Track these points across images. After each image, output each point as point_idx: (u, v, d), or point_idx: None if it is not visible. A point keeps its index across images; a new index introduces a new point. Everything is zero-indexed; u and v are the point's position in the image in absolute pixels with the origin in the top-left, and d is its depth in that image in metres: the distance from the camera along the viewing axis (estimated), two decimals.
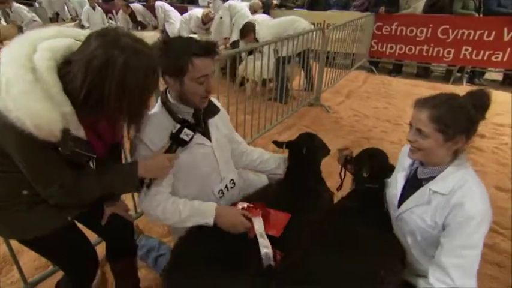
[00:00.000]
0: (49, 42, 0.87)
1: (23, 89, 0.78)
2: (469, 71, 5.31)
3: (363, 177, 1.35)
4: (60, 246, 1.12)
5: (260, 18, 4.70)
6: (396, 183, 1.26)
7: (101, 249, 1.41)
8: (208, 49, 1.14)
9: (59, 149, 0.87)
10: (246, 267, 1.07)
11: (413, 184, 1.19)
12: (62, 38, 0.91)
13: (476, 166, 2.82)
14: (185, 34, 5.93)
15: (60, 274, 1.42)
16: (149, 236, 1.85)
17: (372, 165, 1.35)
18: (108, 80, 0.81)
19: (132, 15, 6.41)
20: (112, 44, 0.82)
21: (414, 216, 1.14)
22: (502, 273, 1.74)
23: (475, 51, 4.99)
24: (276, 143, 1.63)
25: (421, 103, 1.08)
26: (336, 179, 1.60)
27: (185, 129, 1.15)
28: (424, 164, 1.16)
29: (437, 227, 1.08)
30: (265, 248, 1.12)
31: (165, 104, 1.27)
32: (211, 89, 1.21)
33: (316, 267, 1.03)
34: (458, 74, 5.37)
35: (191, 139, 1.17)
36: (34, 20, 6.05)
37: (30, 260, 1.73)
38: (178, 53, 1.13)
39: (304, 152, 1.47)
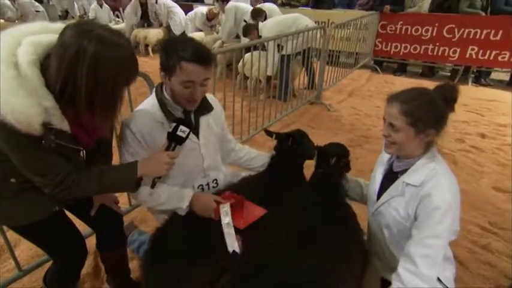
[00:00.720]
0: (33, 37, 0.88)
1: (3, 86, 0.80)
2: (474, 70, 5.24)
3: (316, 164, 1.47)
4: (49, 234, 1.15)
5: (267, 5, 4.81)
6: (375, 178, 1.28)
7: (94, 241, 1.45)
8: (199, 57, 1.13)
9: (42, 142, 0.89)
10: (215, 257, 1.11)
11: (389, 178, 1.22)
12: (47, 34, 0.93)
13: (475, 166, 2.80)
14: (190, 32, 5.98)
15: None
16: (142, 231, 1.89)
17: (318, 151, 1.47)
18: (79, 70, 0.82)
19: (145, 5, 6.50)
20: (84, 34, 0.83)
21: (390, 209, 1.17)
22: (494, 273, 1.74)
23: (481, 51, 4.92)
24: (267, 131, 1.67)
25: (393, 98, 1.10)
26: None
27: (181, 127, 1.17)
28: (399, 157, 1.19)
29: (409, 219, 1.10)
30: (229, 235, 1.16)
31: (158, 97, 1.30)
32: (198, 96, 1.22)
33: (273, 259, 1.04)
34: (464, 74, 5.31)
35: (188, 135, 1.19)
36: (37, 11, 6.11)
37: (27, 248, 1.78)
38: (171, 53, 1.16)
39: (290, 143, 1.49)
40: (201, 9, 6.11)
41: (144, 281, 1.14)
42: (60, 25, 0.97)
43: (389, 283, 1.10)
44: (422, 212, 1.05)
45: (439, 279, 1.11)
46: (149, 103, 1.31)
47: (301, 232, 1.15)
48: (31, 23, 0.94)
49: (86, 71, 0.82)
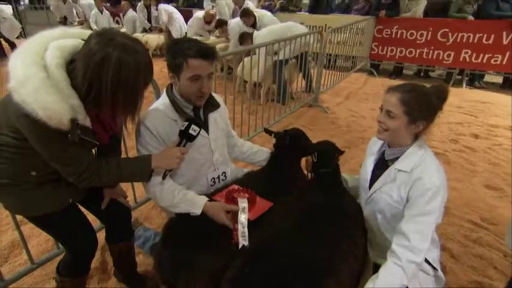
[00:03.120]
0: (58, 42, 0.98)
1: (36, 86, 0.89)
2: (468, 73, 5.36)
3: (316, 163, 1.53)
4: (63, 224, 1.24)
5: (260, 11, 4.90)
6: (366, 168, 1.38)
7: (102, 236, 1.53)
8: (203, 52, 1.25)
9: (68, 136, 0.98)
10: (225, 245, 1.20)
11: (381, 166, 1.33)
12: (69, 38, 1.03)
13: (468, 165, 2.89)
14: (193, 36, 6.08)
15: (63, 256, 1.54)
16: (147, 228, 1.97)
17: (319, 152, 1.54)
18: (104, 74, 0.91)
19: (149, 7, 6.64)
20: (108, 42, 0.92)
21: (383, 195, 1.27)
22: (483, 265, 1.82)
23: (474, 54, 5.05)
24: (266, 130, 1.78)
25: (393, 89, 1.22)
26: None
27: (192, 126, 1.28)
28: (390, 145, 1.29)
29: (402, 202, 1.21)
30: (242, 225, 1.24)
31: (170, 97, 1.40)
32: (206, 90, 1.32)
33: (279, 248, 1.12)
34: (459, 77, 5.43)
35: (198, 134, 1.30)
36: (4, 18, 6.16)
37: (37, 244, 1.86)
38: (178, 53, 1.27)
39: (288, 141, 1.60)
40: (198, 14, 6.23)
41: (157, 269, 1.22)
42: (78, 30, 1.07)
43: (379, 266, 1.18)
44: (414, 194, 1.16)
45: (426, 261, 1.20)
46: (161, 102, 1.41)
47: (308, 218, 1.25)
48: (52, 29, 1.03)
49: (110, 76, 0.92)
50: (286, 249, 1.10)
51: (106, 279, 1.68)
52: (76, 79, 0.95)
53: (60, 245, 1.65)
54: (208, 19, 6.11)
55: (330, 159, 1.50)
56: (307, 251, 1.09)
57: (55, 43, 0.97)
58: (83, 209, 1.35)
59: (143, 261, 1.76)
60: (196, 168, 1.49)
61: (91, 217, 1.38)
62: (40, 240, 1.88)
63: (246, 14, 4.53)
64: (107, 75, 0.92)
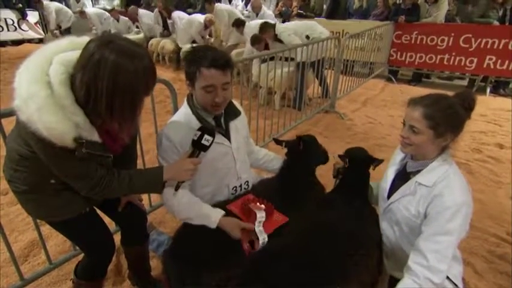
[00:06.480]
0: (63, 55, 0.93)
1: (39, 105, 0.86)
2: (492, 80, 5.17)
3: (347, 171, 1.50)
4: (82, 229, 1.25)
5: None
6: (387, 177, 1.34)
7: (117, 239, 1.54)
8: (217, 63, 1.20)
9: (75, 153, 0.96)
10: (233, 257, 1.18)
11: (402, 177, 1.28)
12: (75, 50, 0.96)
13: (492, 176, 2.77)
14: (186, 42, 5.93)
15: (80, 257, 1.56)
16: (161, 231, 1.98)
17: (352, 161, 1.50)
18: (100, 78, 0.86)
19: (163, 13, 6.73)
20: (105, 45, 0.87)
21: (401, 207, 1.22)
22: (510, 283, 1.72)
23: (499, 61, 4.87)
24: (276, 140, 1.71)
25: (415, 102, 1.15)
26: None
27: (205, 136, 1.22)
28: (414, 158, 1.23)
29: (420, 216, 1.15)
30: (262, 236, 1.22)
31: (191, 106, 1.37)
32: (220, 100, 1.26)
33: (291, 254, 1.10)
34: (482, 84, 5.25)
35: (211, 144, 1.24)
36: None
37: (55, 244, 1.90)
38: (192, 61, 1.24)
39: (301, 146, 1.55)
40: (198, 18, 5.83)
41: (165, 276, 1.22)
42: (86, 38, 1.01)
43: (396, 280, 1.13)
44: (432, 210, 1.10)
45: (447, 277, 1.14)
46: (183, 112, 1.38)
47: (322, 226, 1.22)
48: (59, 40, 1.01)
49: (106, 79, 0.87)
50: (295, 257, 1.07)
51: (120, 282, 1.69)
52: (76, 88, 0.91)
53: (77, 247, 1.67)
54: (209, 24, 5.87)
55: (363, 169, 1.46)
56: (316, 260, 1.06)
57: (59, 57, 0.93)
58: (99, 212, 1.36)
59: (157, 265, 1.76)
60: (220, 178, 1.46)
61: (106, 220, 1.39)
62: (57, 241, 1.91)
63: (256, 41, 4.31)
64: (103, 79, 0.87)
